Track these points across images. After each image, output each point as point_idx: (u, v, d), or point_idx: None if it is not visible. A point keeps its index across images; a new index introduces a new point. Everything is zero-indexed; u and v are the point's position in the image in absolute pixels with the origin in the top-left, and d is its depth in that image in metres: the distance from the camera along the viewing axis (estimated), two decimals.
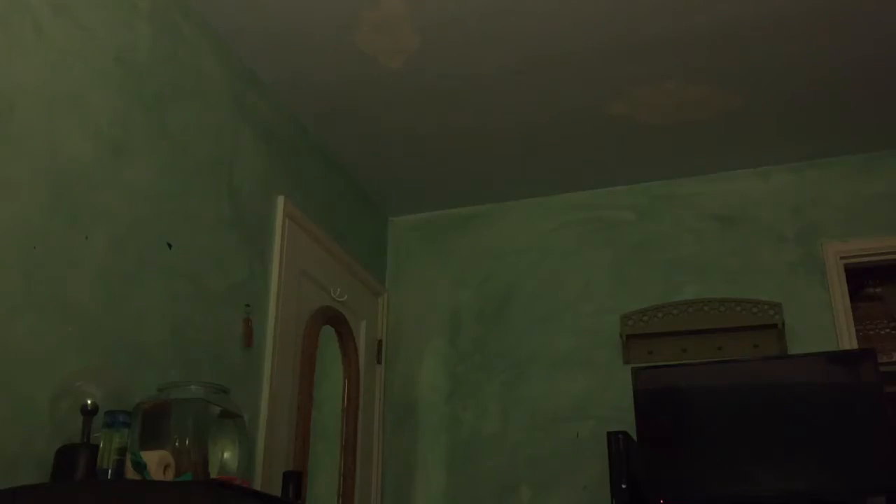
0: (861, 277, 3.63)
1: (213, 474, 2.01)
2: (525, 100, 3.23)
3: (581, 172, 3.78)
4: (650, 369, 3.00)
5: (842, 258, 3.42)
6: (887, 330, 3.57)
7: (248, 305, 2.82)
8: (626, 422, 2.96)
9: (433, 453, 3.68)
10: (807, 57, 2.97)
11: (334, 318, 3.36)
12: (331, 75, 3.07)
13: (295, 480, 2.32)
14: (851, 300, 3.41)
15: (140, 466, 1.78)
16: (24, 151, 1.98)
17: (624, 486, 2.69)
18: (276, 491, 2.45)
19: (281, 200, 3.11)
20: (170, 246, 2.46)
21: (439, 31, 2.84)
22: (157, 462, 1.81)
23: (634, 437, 2.85)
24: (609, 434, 2.79)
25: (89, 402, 1.83)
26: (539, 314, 3.75)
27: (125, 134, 2.33)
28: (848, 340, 3.27)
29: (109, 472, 1.73)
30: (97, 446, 1.77)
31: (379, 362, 3.80)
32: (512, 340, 3.74)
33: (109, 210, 2.23)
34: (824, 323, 3.34)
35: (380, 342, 3.83)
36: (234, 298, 2.76)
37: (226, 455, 2.10)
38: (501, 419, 3.63)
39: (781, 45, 2.91)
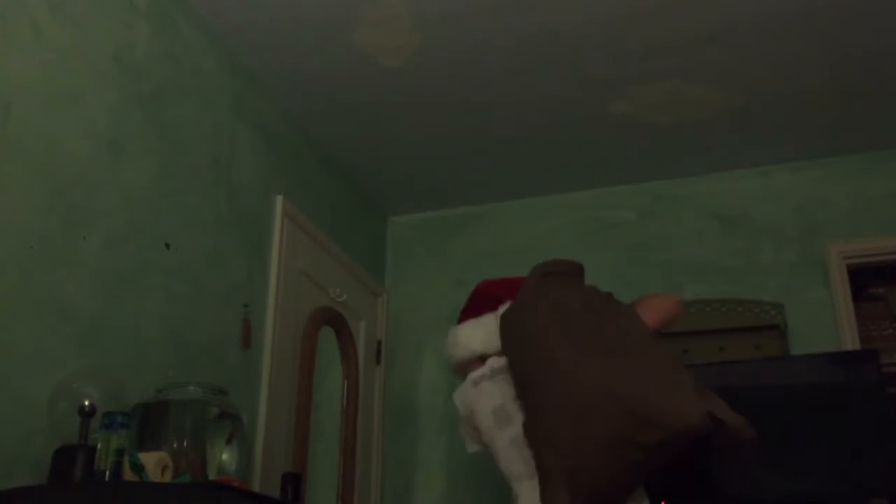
0: (864, 277, 3.61)
1: (212, 476, 2.00)
2: (525, 99, 3.21)
3: (581, 172, 3.77)
4: None
5: (844, 258, 3.40)
6: (890, 330, 3.56)
7: (246, 306, 2.81)
8: None
9: (433, 454, 3.67)
10: (808, 56, 2.96)
11: (333, 319, 3.34)
12: (330, 74, 3.06)
13: (294, 482, 2.31)
14: (854, 300, 3.40)
15: (138, 468, 1.77)
16: (22, 150, 1.97)
17: None
18: (275, 492, 2.44)
19: (280, 200, 3.09)
20: (168, 246, 2.45)
21: (439, 30, 2.82)
22: (155, 463, 1.80)
23: None
24: None
25: (87, 403, 1.81)
26: None
27: (123, 133, 2.32)
28: (850, 341, 3.25)
29: (107, 473, 1.72)
30: (95, 447, 1.76)
31: (378, 363, 3.78)
32: None
33: (107, 210, 2.21)
34: (827, 324, 3.33)
35: (379, 343, 3.81)
36: (232, 299, 2.74)
37: (224, 456, 2.09)
38: None
39: (782, 45, 2.90)
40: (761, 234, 3.58)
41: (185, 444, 1.96)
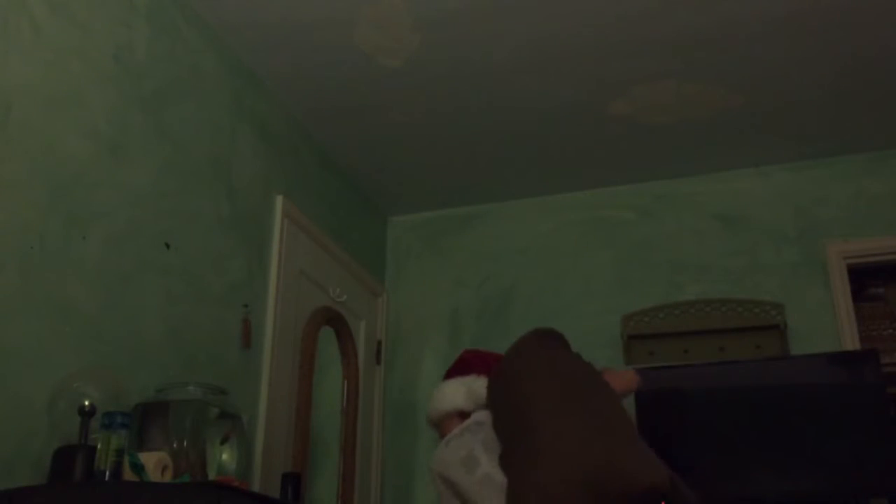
0: (864, 277, 3.61)
1: (212, 476, 2.00)
2: (525, 99, 3.21)
3: (581, 172, 3.77)
4: (651, 370, 2.98)
5: (844, 258, 3.40)
6: (890, 330, 3.56)
7: (246, 306, 2.81)
8: None
9: (433, 454, 3.66)
10: (808, 57, 2.96)
11: (333, 319, 3.34)
12: (330, 74, 3.06)
13: (294, 482, 2.31)
14: (854, 300, 3.40)
15: (138, 468, 1.77)
16: (22, 151, 1.97)
17: None
18: (275, 492, 2.44)
19: (280, 200, 3.09)
20: (168, 246, 2.45)
21: (439, 30, 2.82)
22: (154, 463, 1.80)
23: None
24: None
25: (87, 402, 1.82)
26: (539, 314, 3.73)
27: (123, 133, 2.32)
28: (850, 341, 3.25)
29: (107, 473, 1.72)
30: (95, 447, 1.76)
31: (378, 363, 3.78)
32: (512, 341, 3.71)
33: (107, 210, 2.21)
34: (827, 323, 3.33)
35: (379, 343, 3.81)
36: (232, 299, 2.74)
37: (224, 456, 2.09)
38: None
39: (781, 45, 2.90)
40: (761, 234, 3.58)
41: (184, 444, 1.96)
